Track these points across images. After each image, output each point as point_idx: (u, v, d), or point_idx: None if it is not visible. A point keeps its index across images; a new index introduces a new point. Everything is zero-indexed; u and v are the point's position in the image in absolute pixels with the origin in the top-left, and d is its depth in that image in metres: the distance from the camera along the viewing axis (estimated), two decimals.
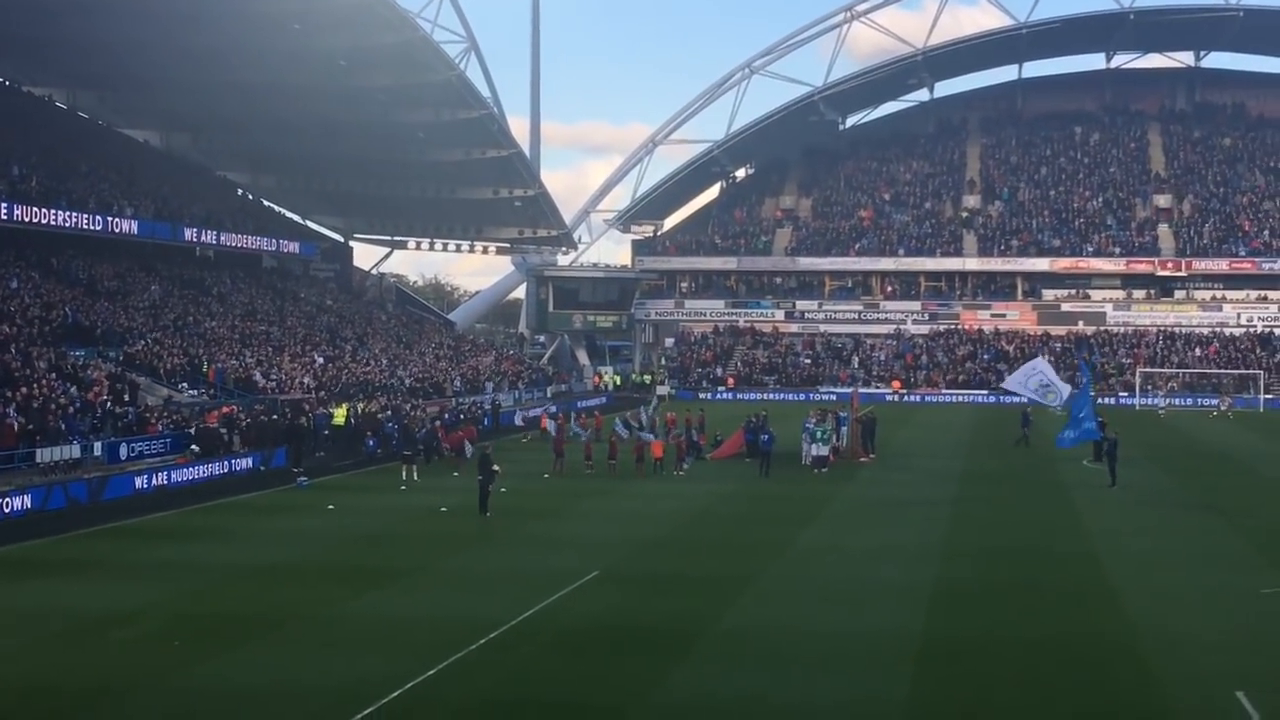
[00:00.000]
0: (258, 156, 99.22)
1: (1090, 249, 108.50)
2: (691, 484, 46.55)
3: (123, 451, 47.47)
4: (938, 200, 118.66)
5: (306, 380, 67.94)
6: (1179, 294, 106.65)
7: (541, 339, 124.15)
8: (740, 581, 28.69)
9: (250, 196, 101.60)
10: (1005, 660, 22.33)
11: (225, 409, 55.12)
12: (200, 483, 45.79)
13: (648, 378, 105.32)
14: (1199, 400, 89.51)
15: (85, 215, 70.94)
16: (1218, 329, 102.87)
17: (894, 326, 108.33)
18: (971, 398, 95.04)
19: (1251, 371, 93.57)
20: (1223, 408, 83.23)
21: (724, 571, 29.90)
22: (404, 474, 47.39)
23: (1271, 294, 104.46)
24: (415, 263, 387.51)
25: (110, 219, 72.74)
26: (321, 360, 73.78)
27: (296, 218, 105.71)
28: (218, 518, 39.22)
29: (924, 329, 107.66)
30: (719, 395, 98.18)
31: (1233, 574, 29.82)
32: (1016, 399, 50.26)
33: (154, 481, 44.14)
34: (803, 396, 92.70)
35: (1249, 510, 40.07)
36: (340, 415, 58.78)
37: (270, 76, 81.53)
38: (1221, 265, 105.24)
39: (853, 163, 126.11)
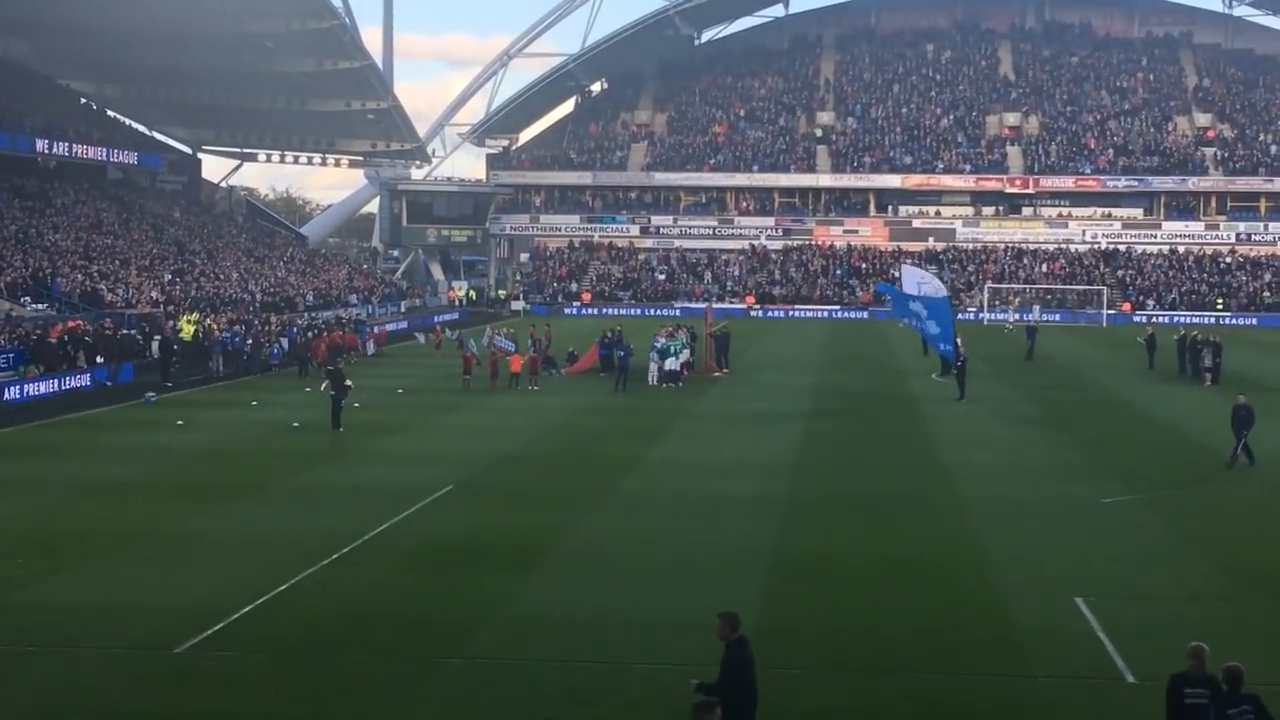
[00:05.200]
0: (102, 66, 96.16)
1: (941, 166, 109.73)
2: (546, 399, 46.49)
3: None
4: (791, 116, 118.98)
5: (154, 294, 66.62)
6: (1026, 211, 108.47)
7: (395, 253, 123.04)
8: (594, 496, 28.79)
9: (94, 106, 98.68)
10: (855, 572, 22.64)
11: (71, 323, 53.81)
12: (44, 398, 44.79)
13: (502, 292, 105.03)
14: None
15: None
16: (1063, 245, 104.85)
17: (748, 242, 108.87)
18: (826, 313, 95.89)
19: (1095, 287, 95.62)
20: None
21: (578, 486, 29.97)
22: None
23: (1115, 211, 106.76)
24: (267, 176, 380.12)
25: None
26: (170, 275, 72.33)
27: (143, 128, 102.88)
28: (62, 434, 38.48)
29: (778, 244, 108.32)
30: (574, 311, 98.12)
31: (1075, 484, 30.52)
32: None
33: None
34: (658, 311, 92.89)
35: (1091, 422, 41.02)
36: (188, 328, 57.56)
37: None
38: (1067, 183, 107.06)
39: (708, 78, 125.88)
